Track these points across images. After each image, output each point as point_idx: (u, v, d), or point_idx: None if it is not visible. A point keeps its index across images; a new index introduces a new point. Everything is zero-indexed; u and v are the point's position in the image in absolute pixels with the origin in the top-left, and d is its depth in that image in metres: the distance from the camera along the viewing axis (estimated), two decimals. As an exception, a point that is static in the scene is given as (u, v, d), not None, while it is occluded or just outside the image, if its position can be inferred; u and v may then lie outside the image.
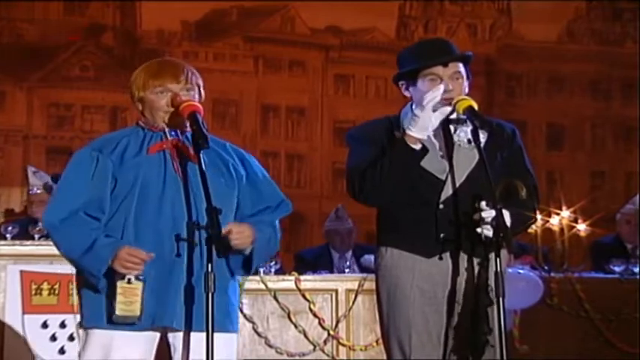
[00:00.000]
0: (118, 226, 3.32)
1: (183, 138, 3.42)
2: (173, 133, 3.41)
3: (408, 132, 3.58)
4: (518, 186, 3.70)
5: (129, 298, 3.18)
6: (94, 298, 3.32)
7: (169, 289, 3.28)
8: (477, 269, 3.58)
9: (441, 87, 3.58)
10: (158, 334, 3.37)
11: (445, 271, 3.63)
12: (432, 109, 3.56)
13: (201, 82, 3.48)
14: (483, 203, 3.49)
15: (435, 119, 3.59)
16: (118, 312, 3.18)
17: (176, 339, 3.37)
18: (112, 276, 3.23)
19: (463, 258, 3.62)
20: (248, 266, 3.47)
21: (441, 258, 3.62)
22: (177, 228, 3.30)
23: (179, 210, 3.32)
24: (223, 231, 3.20)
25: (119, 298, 3.17)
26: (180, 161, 3.38)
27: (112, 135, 3.52)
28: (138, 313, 3.20)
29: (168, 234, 3.30)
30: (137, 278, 3.20)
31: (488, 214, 3.48)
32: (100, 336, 3.31)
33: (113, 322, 3.24)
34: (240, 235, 3.31)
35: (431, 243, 3.62)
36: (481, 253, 3.58)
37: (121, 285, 3.18)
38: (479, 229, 3.49)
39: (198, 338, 3.25)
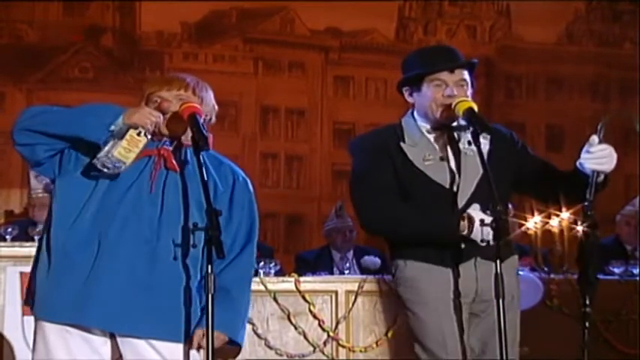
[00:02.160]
0: (79, 204, 3.31)
1: (178, 149, 3.40)
2: (167, 143, 3.40)
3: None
4: None
5: (131, 147, 3.23)
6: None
7: (93, 287, 3.23)
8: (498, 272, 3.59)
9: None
10: (108, 340, 3.31)
11: (466, 277, 3.64)
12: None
13: (207, 97, 3.46)
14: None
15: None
16: (115, 153, 3.22)
17: (124, 344, 3.30)
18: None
19: (482, 264, 3.63)
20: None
21: (458, 266, 3.63)
22: (125, 228, 3.28)
23: (133, 214, 3.30)
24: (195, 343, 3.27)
25: (124, 142, 3.23)
26: (159, 170, 3.36)
27: None
28: (128, 162, 3.25)
29: (114, 233, 3.28)
30: (144, 134, 3.26)
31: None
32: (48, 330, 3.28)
33: (98, 160, 3.24)
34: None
35: (448, 254, 3.64)
36: (498, 257, 3.58)
37: (131, 133, 3.23)
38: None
39: (134, 344, 3.26)
